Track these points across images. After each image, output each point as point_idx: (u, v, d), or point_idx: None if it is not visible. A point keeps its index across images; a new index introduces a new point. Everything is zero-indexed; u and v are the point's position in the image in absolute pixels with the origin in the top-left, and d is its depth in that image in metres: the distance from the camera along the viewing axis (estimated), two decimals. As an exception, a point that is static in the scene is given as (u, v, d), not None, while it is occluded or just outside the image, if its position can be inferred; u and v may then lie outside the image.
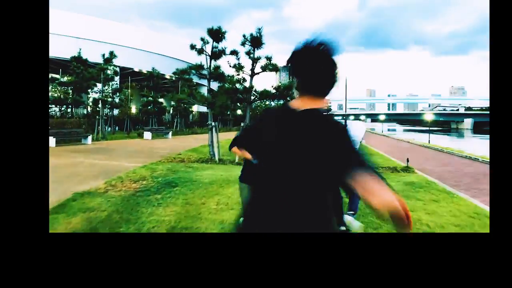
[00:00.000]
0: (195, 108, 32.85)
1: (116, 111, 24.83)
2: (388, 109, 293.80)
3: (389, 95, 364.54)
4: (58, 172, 8.66)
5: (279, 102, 11.99)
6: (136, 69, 30.74)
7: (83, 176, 8.24)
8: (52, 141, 15.11)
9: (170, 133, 24.09)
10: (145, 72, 29.96)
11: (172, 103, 29.33)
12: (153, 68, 27.32)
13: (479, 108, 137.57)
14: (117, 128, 26.53)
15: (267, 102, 16.31)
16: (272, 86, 11.31)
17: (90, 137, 17.65)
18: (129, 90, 27.09)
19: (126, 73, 26.78)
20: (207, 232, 4.45)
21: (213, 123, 11.61)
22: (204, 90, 40.52)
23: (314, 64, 1.31)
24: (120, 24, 36.45)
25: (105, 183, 7.38)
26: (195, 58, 11.84)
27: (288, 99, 13.03)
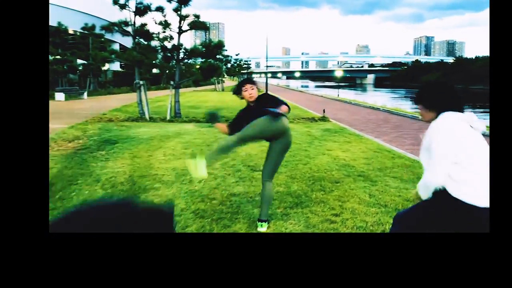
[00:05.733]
0: (106, 67, 30.87)
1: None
2: (302, 66, 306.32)
3: (302, 53, 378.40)
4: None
5: (208, 61, 12.23)
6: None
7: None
8: None
9: (86, 93, 22.65)
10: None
11: (80, 61, 27.17)
12: (59, 22, 24.61)
13: (380, 65, 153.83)
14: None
15: (198, 60, 16.05)
16: (201, 45, 11.49)
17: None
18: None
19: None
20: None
21: (141, 82, 11.52)
22: (116, 47, 37.86)
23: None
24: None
25: (38, 144, 7.22)
26: (105, 13, 11.33)
27: (217, 57, 13.35)
